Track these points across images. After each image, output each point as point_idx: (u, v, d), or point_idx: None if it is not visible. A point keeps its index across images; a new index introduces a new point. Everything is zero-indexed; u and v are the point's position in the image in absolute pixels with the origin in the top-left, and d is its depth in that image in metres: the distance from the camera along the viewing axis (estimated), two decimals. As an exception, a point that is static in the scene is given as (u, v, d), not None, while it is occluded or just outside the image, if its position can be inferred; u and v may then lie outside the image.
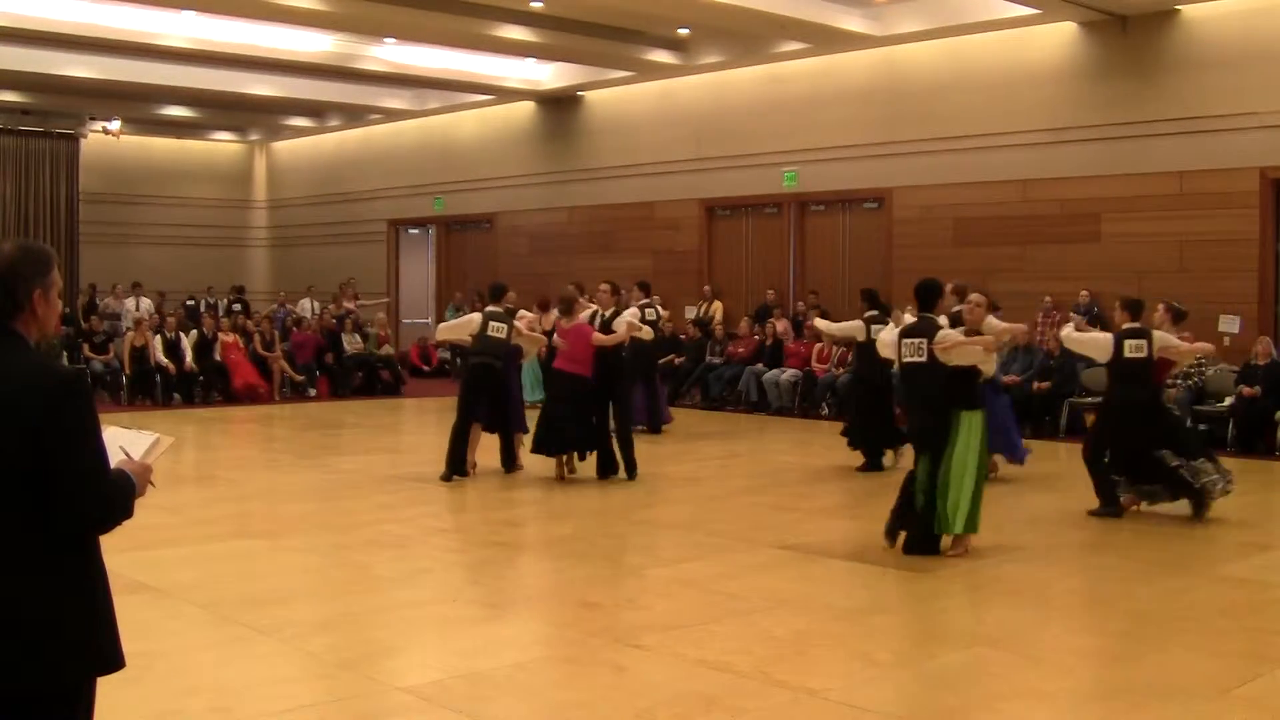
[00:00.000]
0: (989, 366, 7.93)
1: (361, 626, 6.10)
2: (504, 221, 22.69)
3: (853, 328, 11.61)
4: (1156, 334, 8.89)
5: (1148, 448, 8.79)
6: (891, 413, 11.45)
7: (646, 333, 12.28)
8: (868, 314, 11.43)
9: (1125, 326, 9.00)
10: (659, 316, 14.67)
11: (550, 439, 10.59)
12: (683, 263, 19.61)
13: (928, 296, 7.75)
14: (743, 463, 11.34)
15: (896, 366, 8.18)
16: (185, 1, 16.03)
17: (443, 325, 12.64)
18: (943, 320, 8.27)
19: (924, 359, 7.57)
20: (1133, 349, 8.82)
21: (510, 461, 11.04)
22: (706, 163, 19.17)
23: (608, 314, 11.16)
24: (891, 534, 7.79)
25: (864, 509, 9.50)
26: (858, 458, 11.42)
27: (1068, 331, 9.68)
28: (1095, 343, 9.47)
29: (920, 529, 7.61)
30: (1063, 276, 15.19)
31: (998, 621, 6.34)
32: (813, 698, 4.96)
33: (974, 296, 8.21)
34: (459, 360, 19.95)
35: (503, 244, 22.69)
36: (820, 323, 12.59)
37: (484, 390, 10.66)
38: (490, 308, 11.08)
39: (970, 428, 7.53)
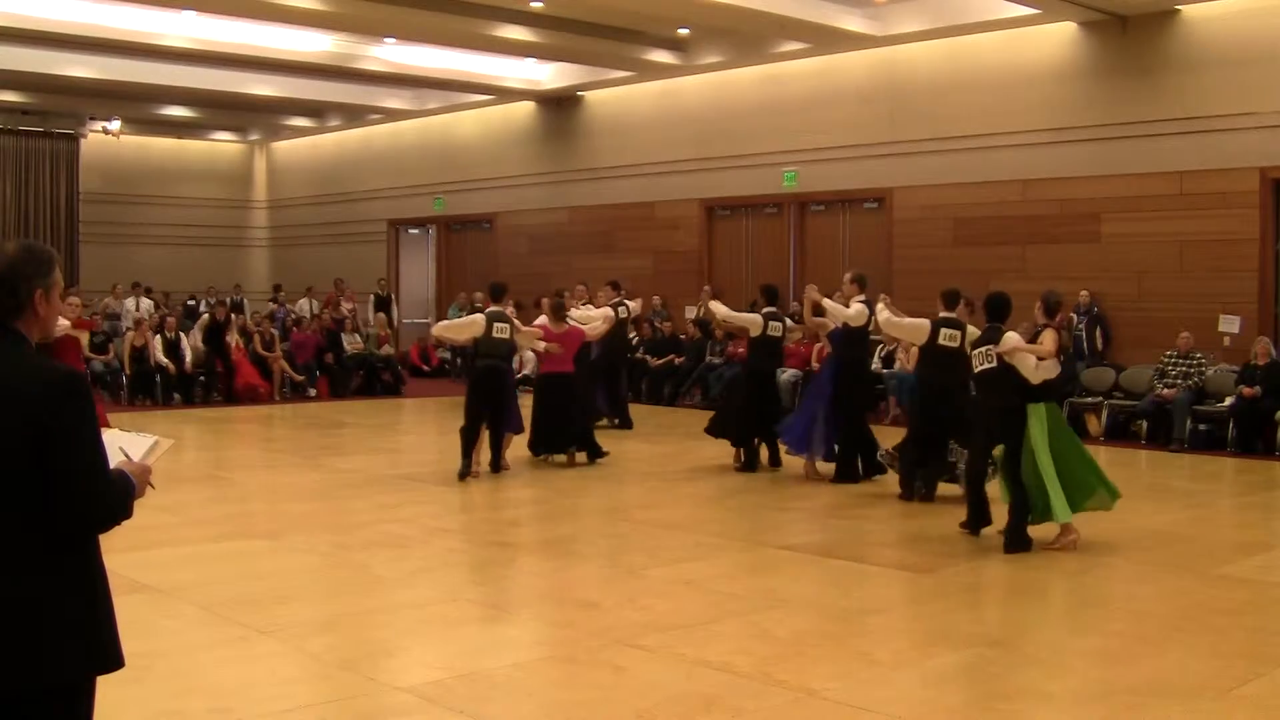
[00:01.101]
0: (1042, 373, 7.97)
1: (361, 626, 6.10)
2: (504, 221, 22.70)
3: (750, 320, 11.58)
4: (972, 329, 8.80)
5: (944, 433, 9.42)
6: (779, 407, 11.63)
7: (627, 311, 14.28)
8: (765, 310, 11.44)
9: (941, 315, 9.38)
10: (630, 312, 14.80)
11: (556, 438, 11.40)
12: (683, 263, 19.61)
13: (996, 308, 8.24)
14: (743, 463, 11.33)
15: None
16: (185, 1, 16.04)
17: (444, 323, 12.34)
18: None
19: (995, 365, 8.03)
20: (946, 337, 9.25)
21: (499, 462, 11.00)
22: (706, 163, 19.17)
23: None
24: (974, 527, 8.30)
25: (864, 509, 9.50)
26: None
27: (886, 317, 9.67)
28: (911, 327, 9.57)
29: (1012, 526, 7.90)
30: (1063, 276, 15.15)
31: (998, 621, 6.35)
32: (813, 698, 4.96)
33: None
34: (459, 360, 19.99)
35: (503, 244, 22.69)
36: (716, 305, 12.46)
37: (494, 392, 10.70)
38: (492, 308, 11.06)
39: (1036, 419, 7.87)
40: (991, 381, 8.14)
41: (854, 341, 10.61)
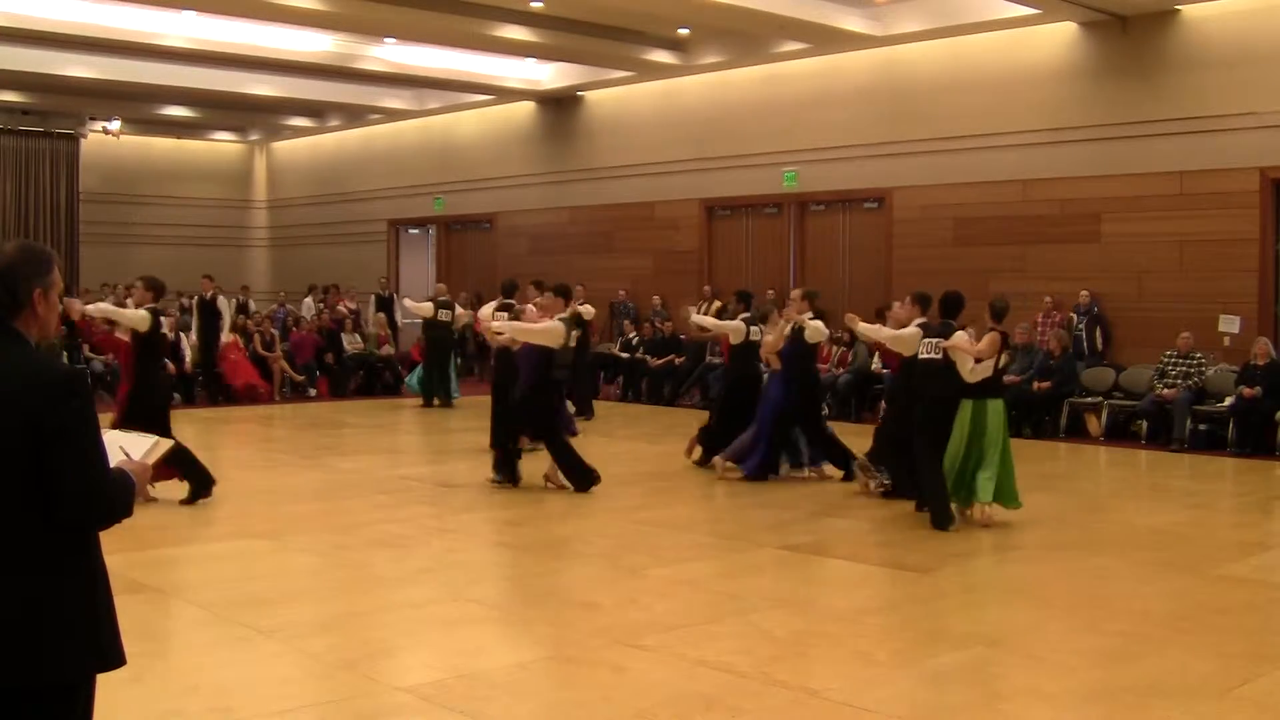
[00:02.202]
0: (978, 373, 8.62)
1: (361, 626, 6.10)
2: (504, 221, 22.70)
3: (731, 327, 11.66)
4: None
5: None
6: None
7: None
8: (744, 315, 11.58)
9: (919, 322, 9.41)
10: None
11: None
12: (683, 263, 19.61)
13: (949, 305, 9.02)
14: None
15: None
16: (185, 1, 16.04)
17: (524, 327, 10.49)
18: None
19: (939, 356, 8.77)
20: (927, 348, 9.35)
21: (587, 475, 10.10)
22: (706, 163, 19.16)
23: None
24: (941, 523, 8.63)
25: (863, 509, 9.50)
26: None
27: (890, 333, 9.69)
28: (909, 337, 9.53)
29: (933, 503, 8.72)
30: (1063, 276, 15.18)
31: (998, 621, 6.34)
32: (813, 698, 4.96)
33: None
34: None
35: (503, 244, 22.69)
36: (698, 317, 12.79)
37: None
38: (563, 315, 10.33)
39: (964, 413, 8.64)
40: (933, 372, 8.83)
41: (806, 355, 10.74)
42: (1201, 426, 13.28)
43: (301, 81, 21.36)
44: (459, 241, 24.30)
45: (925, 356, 8.90)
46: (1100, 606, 6.55)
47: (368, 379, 19.52)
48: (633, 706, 4.83)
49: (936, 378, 8.77)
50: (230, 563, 7.49)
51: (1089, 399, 14.28)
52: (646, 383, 18.27)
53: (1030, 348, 14.53)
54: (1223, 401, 13.14)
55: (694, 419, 16.05)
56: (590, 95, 21.01)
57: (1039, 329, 15.02)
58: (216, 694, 4.95)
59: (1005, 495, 8.66)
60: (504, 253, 22.53)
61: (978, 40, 15.99)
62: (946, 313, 8.99)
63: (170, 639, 5.70)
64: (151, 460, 2.93)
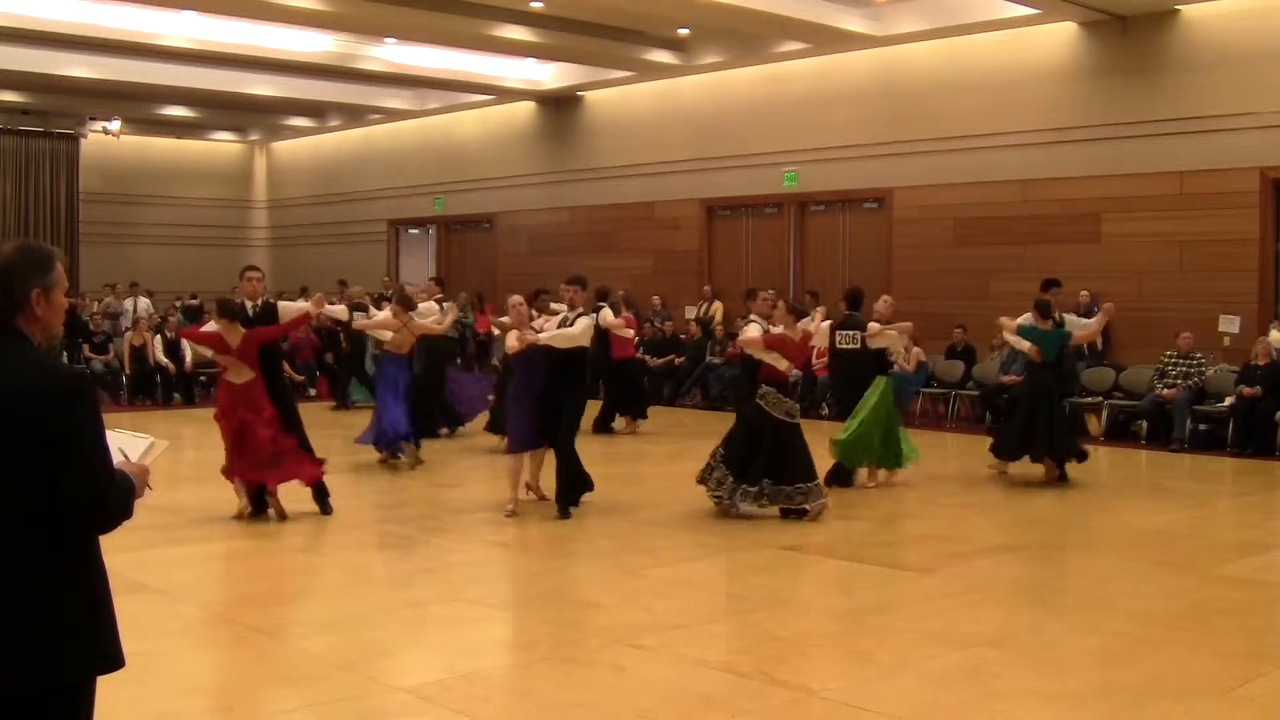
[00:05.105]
0: (899, 346, 10.84)
1: (361, 626, 6.10)
2: (504, 221, 22.70)
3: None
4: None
5: None
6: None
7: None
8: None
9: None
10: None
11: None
12: (683, 263, 19.61)
13: (854, 301, 10.74)
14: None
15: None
16: (185, 1, 16.04)
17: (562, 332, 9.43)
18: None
19: (857, 345, 10.38)
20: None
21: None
22: (706, 163, 19.16)
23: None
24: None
25: (863, 509, 9.50)
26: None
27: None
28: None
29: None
30: (1063, 276, 15.11)
31: (998, 621, 6.34)
32: (813, 698, 4.96)
33: (885, 298, 10.69)
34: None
35: (503, 244, 22.69)
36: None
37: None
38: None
39: (876, 386, 10.25)
40: (849, 358, 10.58)
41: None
42: (1201, 426, 13.27)
43: (301, 81, 21.36)
44: (459, 241, 24.31)
45: (845, 347, 10.55)
46: (1100, 606, 6.55)
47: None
48: (633, 706, 4.83)
49: (858, 362, 10.43)
50: (230, 563, 7.49)
51: (1089, 399, 14.27)
52: (646, 382, 18.24)
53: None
54: (1223, 401, 13.14)
55: (695, 419, 16.08)
56: (590, 95, 21.01)
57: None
58: (216, 694, 4.96)
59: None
60: (504, 253, 22.54)
61: (978, 40, 15.99)
62: (852, 306, 10.70)
63: (170, 639, 5.70)
64: (149, 461, 2.93)
